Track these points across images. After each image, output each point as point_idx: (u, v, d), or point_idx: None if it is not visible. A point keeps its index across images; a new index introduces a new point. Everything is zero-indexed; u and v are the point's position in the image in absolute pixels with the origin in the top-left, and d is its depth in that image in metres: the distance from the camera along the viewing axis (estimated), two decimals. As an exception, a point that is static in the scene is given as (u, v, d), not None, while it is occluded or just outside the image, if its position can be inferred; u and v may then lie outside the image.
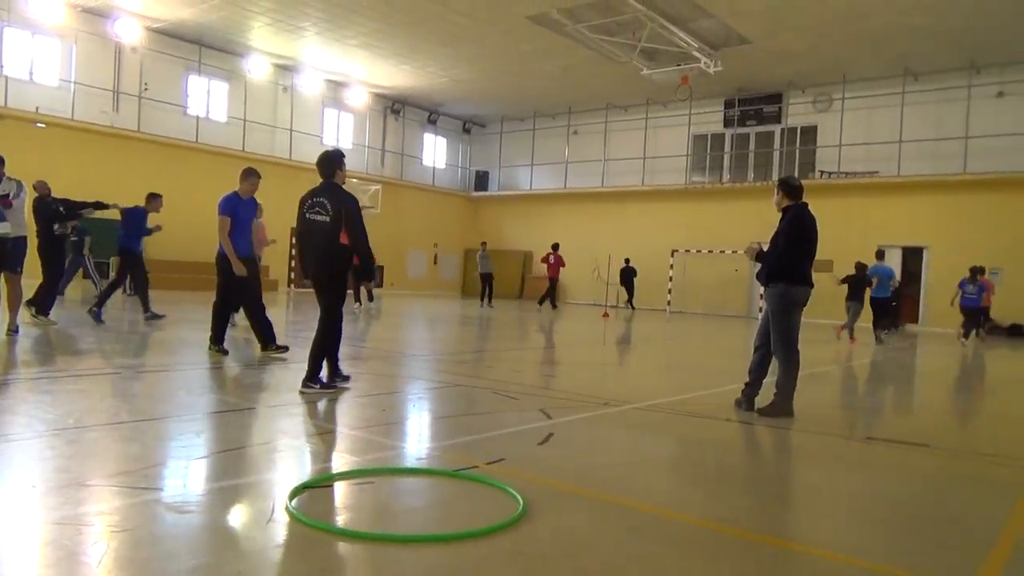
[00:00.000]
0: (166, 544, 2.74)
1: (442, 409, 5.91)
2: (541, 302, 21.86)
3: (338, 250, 5.75)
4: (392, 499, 3.49)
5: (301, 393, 5.83)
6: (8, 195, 8.08)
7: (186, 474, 3.69)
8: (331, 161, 5.93)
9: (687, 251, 25.88)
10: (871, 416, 6.80)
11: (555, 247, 22.33)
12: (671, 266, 25.78)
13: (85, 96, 21.02)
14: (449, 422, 5.38)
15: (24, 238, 8.40)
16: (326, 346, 5.97)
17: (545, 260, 22.13)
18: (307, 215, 5.88)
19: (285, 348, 7.85)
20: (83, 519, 2.91)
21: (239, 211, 7.66)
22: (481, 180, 32.65)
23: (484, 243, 23.56)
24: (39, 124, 19.58)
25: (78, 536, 2.72)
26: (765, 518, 3.54)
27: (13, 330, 8.08)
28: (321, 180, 5.98)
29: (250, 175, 7.77)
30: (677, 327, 18.48)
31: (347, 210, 5.73)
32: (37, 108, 19.88)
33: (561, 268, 22.18)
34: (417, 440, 4.79)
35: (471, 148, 33.43)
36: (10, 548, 2.64)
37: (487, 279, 21.98)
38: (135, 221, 10.86)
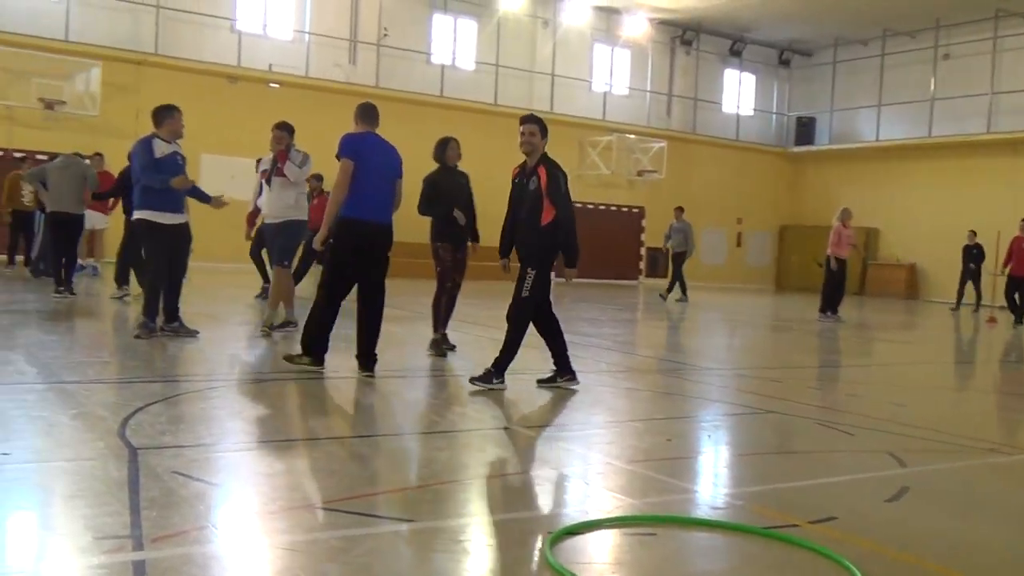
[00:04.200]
0: (406, 587, 3.00)
1: (747, 443, 5.83)
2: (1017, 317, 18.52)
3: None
4: (680, 557, 3.50)
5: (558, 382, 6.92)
6: (267, 170, 9.19)
7: (425, 504, 4.00)
8: None
9: None
10: None
11: None
12: (1099, 248, 22.75)
13: (319, 48, 23.60)
14: (757, 461, 5.29)
15: (294, 223, 9.24)
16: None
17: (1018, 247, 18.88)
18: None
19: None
20: (313, 546, 3.28)
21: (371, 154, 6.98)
22: (804, 130, 31.38)
23: (680, 208, 20.91)
24: (272, 84, 22.36)
25: (309, 564, 3.08)
26: None
27: (267, 329, 9.22)
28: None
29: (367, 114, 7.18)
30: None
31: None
32: (270, 66, 22.72)
33: None
34: (712, 483, 4.77)
35: (790, 87, 32.24)
36: (240, 572, 3.06)
37: (679, 261, 19.98)
38: None
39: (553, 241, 6.79)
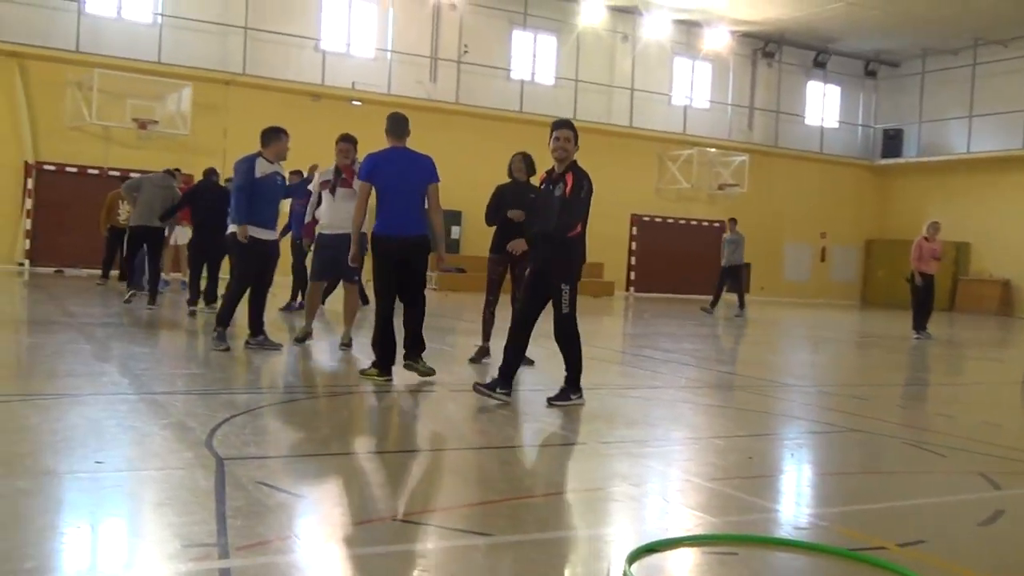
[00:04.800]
0: (484, 601, 3.02)
1: (831, 462, 5.72)
2: None
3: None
4: (761, 579, 3.46)
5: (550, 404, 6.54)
6: (329, 180, 9.25)
7: (503, 519, 4.01)
8: None
9: None
10: None
11: None
12: None
13: (401, 66, 24.02)
14: (842, 481, 5.18)
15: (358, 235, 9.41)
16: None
17: None
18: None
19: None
20: (392, 558, 3.33)
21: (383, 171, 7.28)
22: (892, 142, 30.72)
23: (733, 220, 19.86)
24: (355, 102, 22.81)
25: (391, 578, 3.13)
26: None
27: (346, 343, 9.39)
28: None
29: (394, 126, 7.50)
30: None
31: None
32: (353, 84, 23.20)
33: None
34: (795, 502, 4.70)
35: (876, 98, 31.58)
36: (324, 583, 3.12)
37: (732, 274, 19.04)
38: None
39: (581, 251, 6.65)
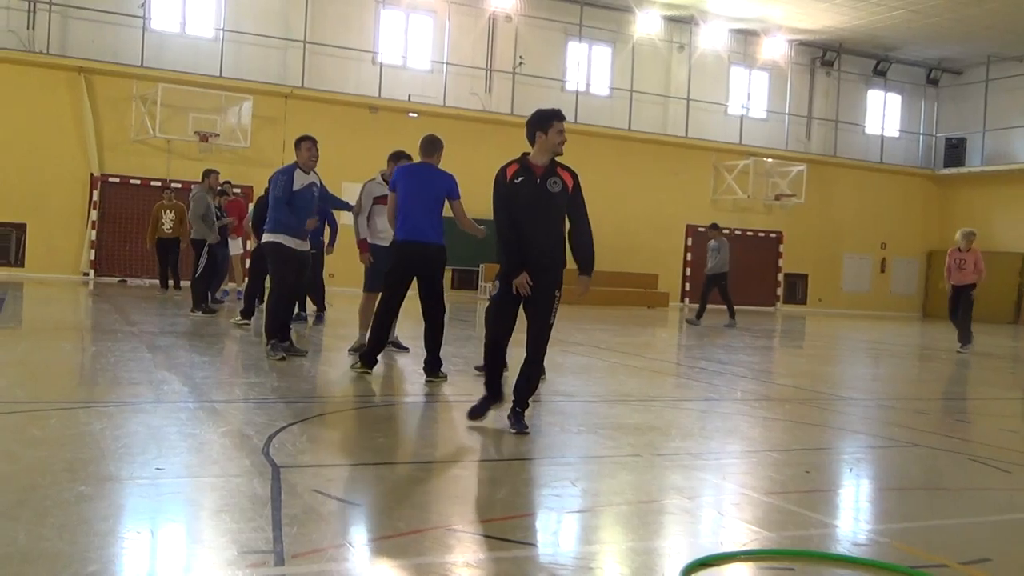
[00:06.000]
0: (536, 612, 3.01)
1: (891, 477, 5.62)
2: None
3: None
4: (818, 595, 3.40)
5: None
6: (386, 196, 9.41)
7: (559, 530, 4.02)
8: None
9: None
10: None
11: None
12: None
13: (456, 78, 24.22)
14: (901, 497, 5.09)
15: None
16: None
17: None
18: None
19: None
20: (444, 567, 3.33)
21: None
22: (954, 151, 30.12)
23: (714, 225, 18.99)
24: (411, 114, 23.05)
25: (443, 588, 3.13)
26: None
27: (392, 341, 9.60)
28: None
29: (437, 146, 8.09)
30: None
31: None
32: (409, 96, 23.45)
33: None
34: (854, 517, 4.63)
35: (938, 107, 31.03)
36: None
37: (717, 282, 18.14)
38: None
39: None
